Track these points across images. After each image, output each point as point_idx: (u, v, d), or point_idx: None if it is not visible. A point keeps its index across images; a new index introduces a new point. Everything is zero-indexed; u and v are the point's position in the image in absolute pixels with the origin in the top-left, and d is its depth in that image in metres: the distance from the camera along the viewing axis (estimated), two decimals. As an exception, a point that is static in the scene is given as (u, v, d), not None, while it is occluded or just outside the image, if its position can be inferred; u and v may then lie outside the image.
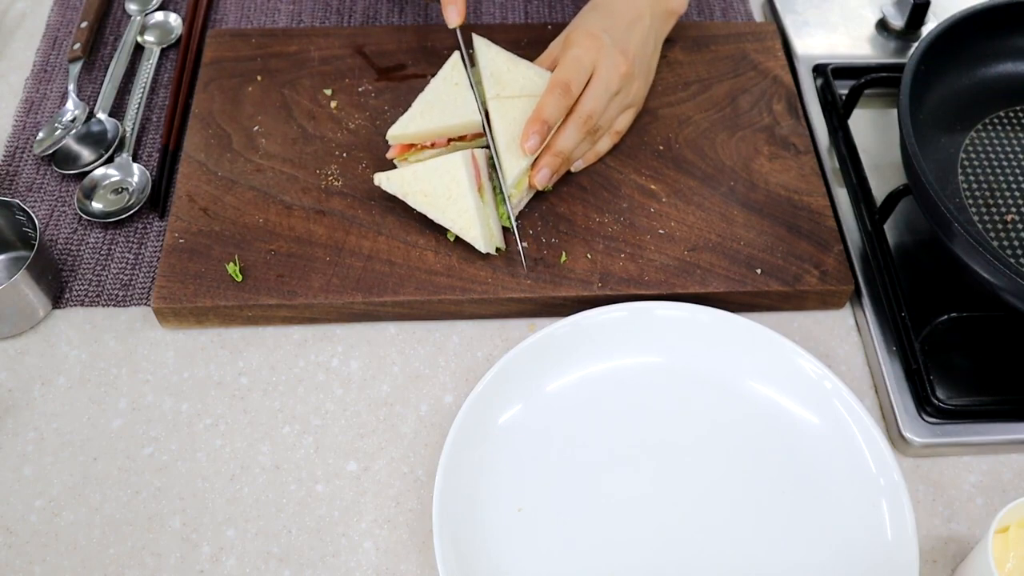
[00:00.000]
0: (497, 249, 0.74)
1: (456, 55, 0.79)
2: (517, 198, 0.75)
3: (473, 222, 0.72)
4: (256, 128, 0.82)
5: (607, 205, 0.78)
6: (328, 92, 0.85)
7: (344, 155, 0.81)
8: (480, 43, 0.79)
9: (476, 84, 0.78)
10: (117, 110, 0.87)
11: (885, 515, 0.63)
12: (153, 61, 0.91)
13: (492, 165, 0.76)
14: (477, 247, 0.72)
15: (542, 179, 0.75)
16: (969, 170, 0.78)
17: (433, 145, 0.76)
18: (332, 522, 0.65)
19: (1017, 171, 0.78)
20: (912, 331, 0.71)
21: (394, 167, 0.78)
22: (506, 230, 0.75)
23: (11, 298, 0.70)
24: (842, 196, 0.81)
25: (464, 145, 0.77)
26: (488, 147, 0.75)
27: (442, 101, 0.75)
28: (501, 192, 0.75)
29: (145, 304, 0.75)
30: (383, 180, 0.74)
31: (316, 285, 0.73)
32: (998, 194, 0.77)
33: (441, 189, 0.72)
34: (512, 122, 0.75)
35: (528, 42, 0.89)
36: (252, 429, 0.69)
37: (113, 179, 0.82)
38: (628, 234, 0.76)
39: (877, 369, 0.72)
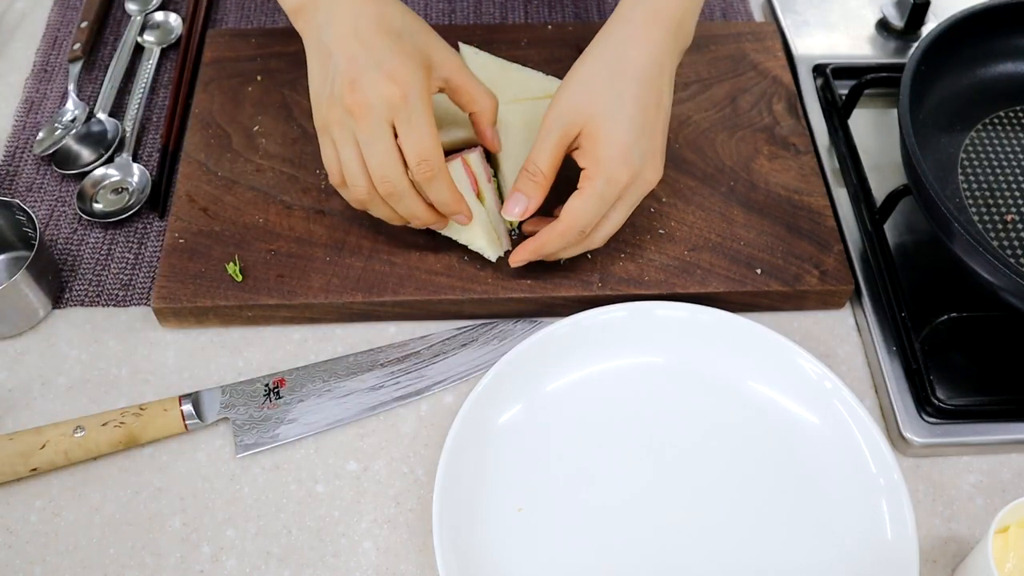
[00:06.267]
0: (506, 252, 0.74)
1: None
2: None
3: (477, 232, 0.72)
4: (256, 128, 0.82)
5: (607, 205, 0.78)
6: (328, 92, 0.85)
7: (344, 155, 0.80)
8: (468, 52, 0.79)
9: None
10: (117, 110, 0.87)
11: (885, 515, 0.63)
12: (153, 61, 0.91)
13: (493, 165, 0.76)
14: (486, 256, 0.72)
15: (516, 261, 0.70)
16: (969, 170, 0.78)
17: None
18: (332, 522, 0.65)
19: (1017, 171, 0.78)
20: (912, 331, 0.71)
21: None
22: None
23: (11, 298, 0.70)
24: (842, 196, 0.81)
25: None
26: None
27: (440, 114, 0.75)
28: (503, 197, 0.75)
29: (145, 304, 0.75)
30: None
31: (316, 285, 0.73)
32: (998, 194, 0.77)
33: None
34: (511, 127, 0.74)
35: (528, 42, 0.89)
36: (252, 429, 0.69)
37: (113, 179, 0.82)
38: (628, 234, 0.76)
39: (877, 369, 0.72)
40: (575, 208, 0.66)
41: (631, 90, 0.65)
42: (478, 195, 0.73)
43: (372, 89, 0.61)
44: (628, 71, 0.65)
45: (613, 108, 0.65)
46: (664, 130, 0.68)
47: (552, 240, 0.67)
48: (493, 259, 0.72)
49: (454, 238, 0.73)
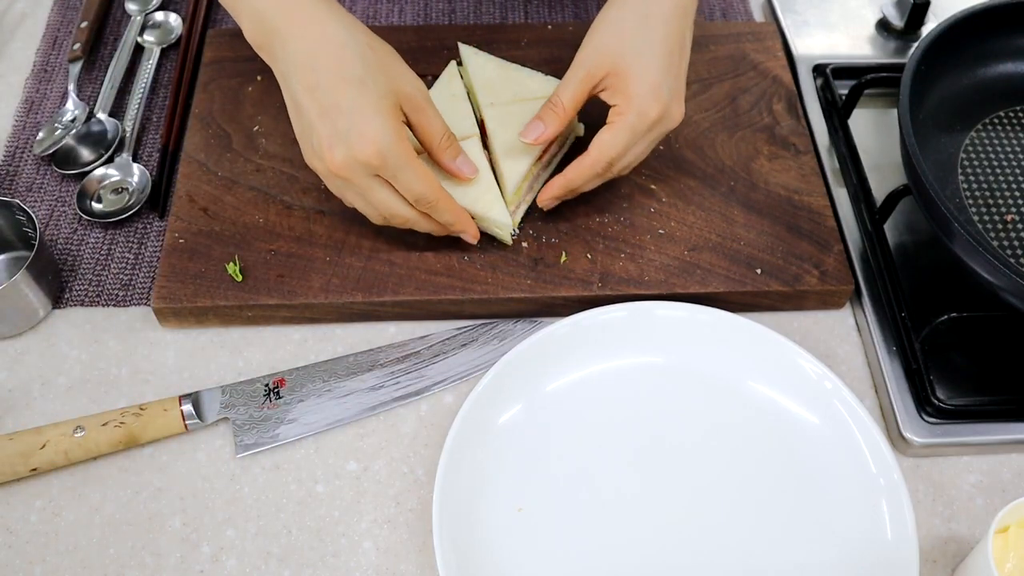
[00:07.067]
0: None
1: (452, 65, 0.79)
2: (515, 204, 0.75)
3: (495, 201, 0.72)
4: (256, 128, 0.82)
5: (607, 205, 0.78)
6: (328, 92, 0.85)
7: (344, 155, 0.80)
8: (467, 52, 0.79)
9: (469, 92, 0.78)
10: (117, 110, 0.87)
11: (885, 515, 0.63)
12: (153, 61, 0.91)
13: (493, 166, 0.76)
14: (501, 227, 0.72)
15: (545, 199, 0.74)
16: (969, 170, 0.78)
17: None
18: (332, 522, 0.65)
19: (1017, 171, 0.78)
20: (912, 331, 0.71)
21: None
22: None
23: (11, 298, 0.70)
24: (842, 196, 0.81)
25: None
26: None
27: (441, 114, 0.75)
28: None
29: (145, 304, 0.75)
30: None
31: (316, 285, 0.73)
32: (998, 194, 0.77)
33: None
34: (509, 128, 0.75)
35: (528, 42, 0.89)
36: (252, 429, 0.69)
37: (113, 179, 0.82)
38: (628, 234, 0.76)
39: (877, 369, 0.72)
40: (605, 141, 0.69)
41: (659, 32, 0.68)
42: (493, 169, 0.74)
43: (348, 154, 0.63)
44: (655, 14, 0.69)
45: (642, 48, 0.68)
46: (685, 72, 0.71)
47: (581, 172, 0.70)
48: (508, 240, 0.73)
49: (470, 209, 0.72)
